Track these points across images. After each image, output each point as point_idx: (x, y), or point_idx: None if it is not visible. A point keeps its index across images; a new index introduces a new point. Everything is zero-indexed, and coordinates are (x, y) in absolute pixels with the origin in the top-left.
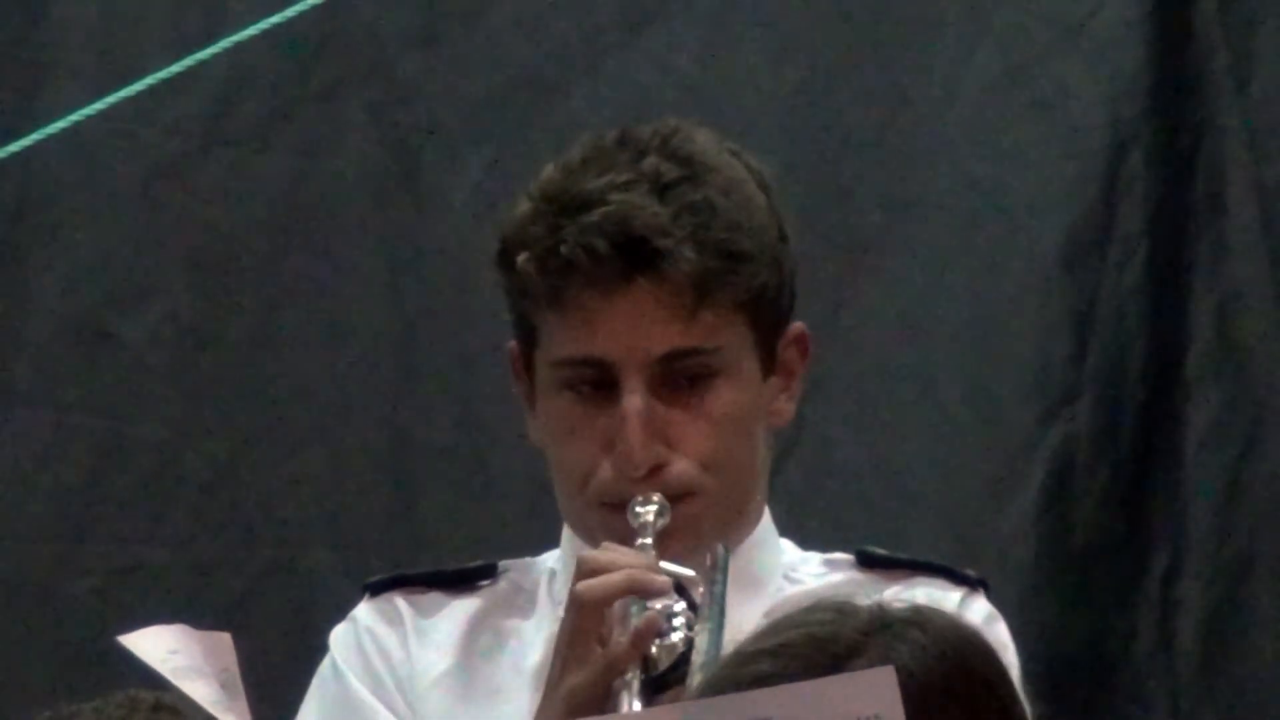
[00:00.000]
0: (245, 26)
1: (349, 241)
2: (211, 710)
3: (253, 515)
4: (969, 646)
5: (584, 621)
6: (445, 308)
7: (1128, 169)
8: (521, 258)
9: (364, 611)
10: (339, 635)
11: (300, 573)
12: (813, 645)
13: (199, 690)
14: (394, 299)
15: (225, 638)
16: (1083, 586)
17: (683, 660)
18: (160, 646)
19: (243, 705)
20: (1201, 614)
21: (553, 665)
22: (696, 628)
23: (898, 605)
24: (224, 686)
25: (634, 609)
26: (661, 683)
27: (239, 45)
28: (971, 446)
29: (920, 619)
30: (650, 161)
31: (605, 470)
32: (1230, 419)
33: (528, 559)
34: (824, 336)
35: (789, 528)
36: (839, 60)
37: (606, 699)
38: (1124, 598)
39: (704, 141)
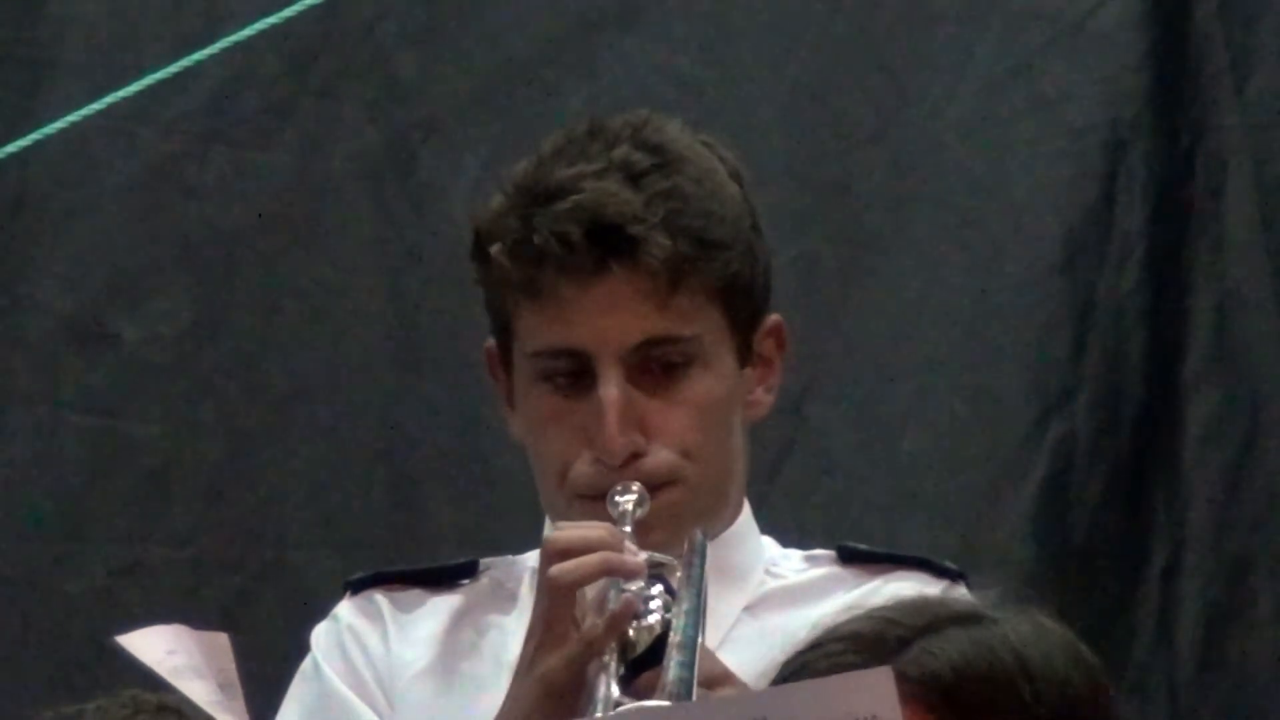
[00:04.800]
0: (244, 25)
1: (348, 240)
2: (209, 710)
3: (252, 515)
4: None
5: (558, 605)
6: (444, 306)
7: (1127, 168)
8: (495, 249)
9: (345, 609)
10: (320, 633)
11: (300, 573)
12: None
13: (197, 690)
14: (393, 298)
15: (223, 638)
16: (1082, 586)
17: (660, 642)
18: (158, 646)
19: (240, 705)
20: (1201, 613)
21: (525, 646)
22: (673, 609)
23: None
24: (222, 686)
25: (611, 591)
26: (638, 665)
27: (238, 44)
28: (971, 446)
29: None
30: (622, 151)
31: (584, 461)
32: (1229, 418)
33: (510, 557)
34: (824, 336)
35: (789, 528)
36: (839, 58)
37: (582, 682)
38: (1124, 597)
39: (675, 131)
